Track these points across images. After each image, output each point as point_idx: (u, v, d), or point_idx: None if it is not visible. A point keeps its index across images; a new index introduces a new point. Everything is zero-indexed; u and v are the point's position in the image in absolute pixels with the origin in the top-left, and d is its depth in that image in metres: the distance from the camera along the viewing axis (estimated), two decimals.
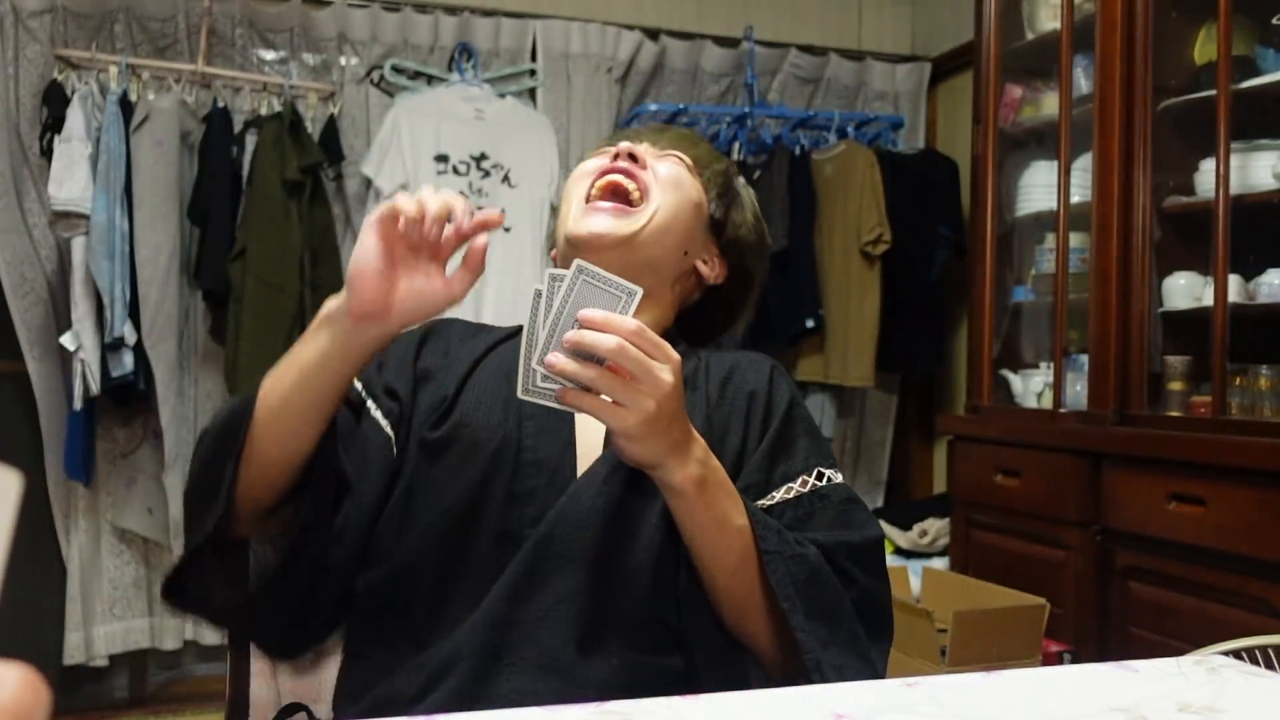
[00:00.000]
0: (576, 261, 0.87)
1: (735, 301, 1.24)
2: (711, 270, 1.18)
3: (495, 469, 1.02)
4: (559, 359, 0.86)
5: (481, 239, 0.91)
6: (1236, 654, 1.22)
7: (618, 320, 0.86)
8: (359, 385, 1.09)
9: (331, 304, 0.93)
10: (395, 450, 1.06)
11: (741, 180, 1.25)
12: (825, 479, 1.07)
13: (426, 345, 1.13)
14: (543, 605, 0.96)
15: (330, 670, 1.10)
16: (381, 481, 1.04)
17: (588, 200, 1.10)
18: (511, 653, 0.94)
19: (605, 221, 1.08)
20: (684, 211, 1.12)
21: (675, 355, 0.89)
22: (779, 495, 1.05)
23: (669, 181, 1.12)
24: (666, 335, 1.14)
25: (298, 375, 0.93)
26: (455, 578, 1.00)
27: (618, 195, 1.10)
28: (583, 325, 0.86)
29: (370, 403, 1.08)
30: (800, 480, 1.06)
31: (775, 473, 1.06)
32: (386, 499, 1.04)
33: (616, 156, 1.11)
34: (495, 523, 1.00)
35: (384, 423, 1.07)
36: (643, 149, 1.13)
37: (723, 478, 0.96)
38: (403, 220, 0.88)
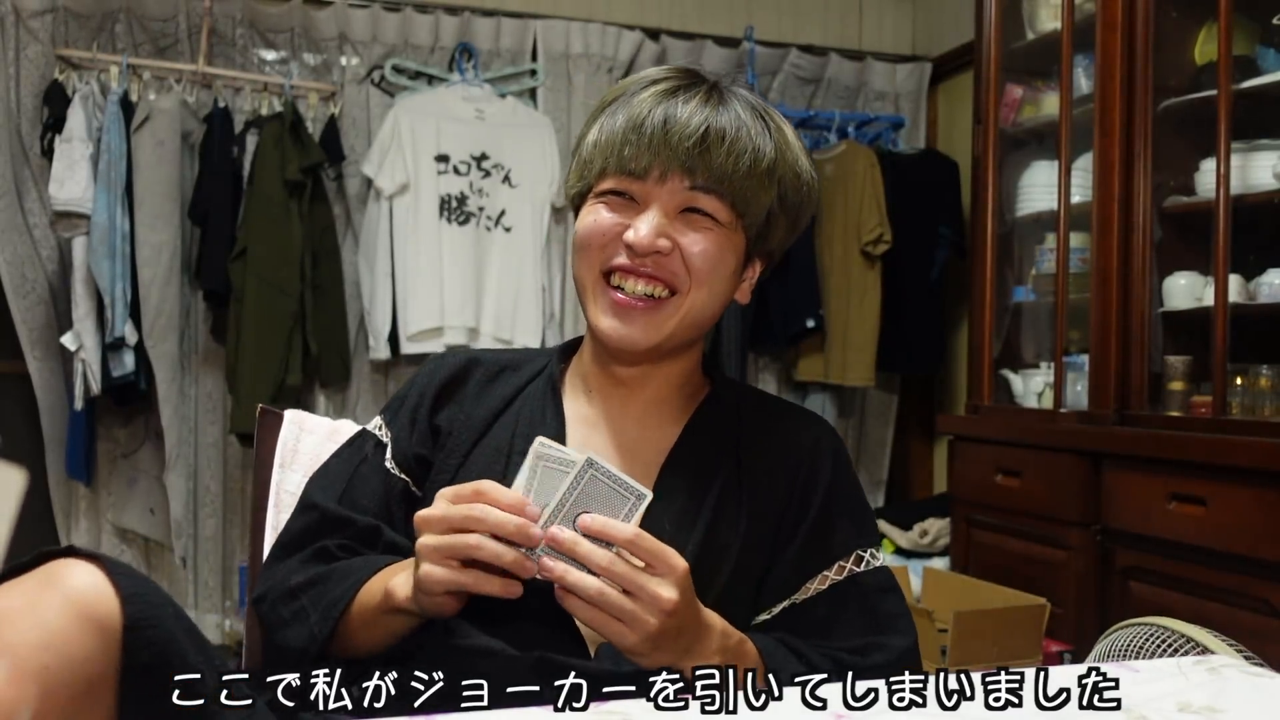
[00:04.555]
0: (589, 456, 0.85)
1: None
2: (753, 273, 1.10)
3: None
4: (563, 570, 0.83)
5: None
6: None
7: (615, 528, 0.84)
8: (385, 436, 1.10)
9: (403, 595, 0.91)
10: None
11: (791, 150, 1.05)
12: (864, 563, 1.05)
13: (444, 400, 1.10)
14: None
15: None
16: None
17: (609, 282, 1.02)
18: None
19: (634, 332, 1.01)
20: (718, 291, 1.03)
21: (680, 564, 0.86)
22: (813, 587, 1.03)
23: (702, 269, 1.01)
24: (699, 373, 1.12)
25: (381, 640, 0.96)
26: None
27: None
28: (581, 530, 0.84)
29: (393, 466, 1.08)
30: (836, 567, 1.04)
31: (809, 565, 1.04)
32: None
33: (631, 248, 0.99)
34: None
35: (404, 477, 1.08)
36: (660, 221, 0.99)
37: (743, 651, 0.94)
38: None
